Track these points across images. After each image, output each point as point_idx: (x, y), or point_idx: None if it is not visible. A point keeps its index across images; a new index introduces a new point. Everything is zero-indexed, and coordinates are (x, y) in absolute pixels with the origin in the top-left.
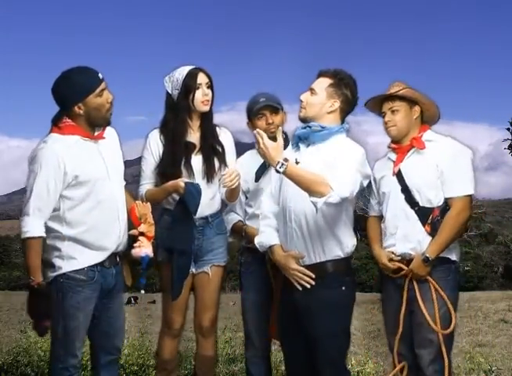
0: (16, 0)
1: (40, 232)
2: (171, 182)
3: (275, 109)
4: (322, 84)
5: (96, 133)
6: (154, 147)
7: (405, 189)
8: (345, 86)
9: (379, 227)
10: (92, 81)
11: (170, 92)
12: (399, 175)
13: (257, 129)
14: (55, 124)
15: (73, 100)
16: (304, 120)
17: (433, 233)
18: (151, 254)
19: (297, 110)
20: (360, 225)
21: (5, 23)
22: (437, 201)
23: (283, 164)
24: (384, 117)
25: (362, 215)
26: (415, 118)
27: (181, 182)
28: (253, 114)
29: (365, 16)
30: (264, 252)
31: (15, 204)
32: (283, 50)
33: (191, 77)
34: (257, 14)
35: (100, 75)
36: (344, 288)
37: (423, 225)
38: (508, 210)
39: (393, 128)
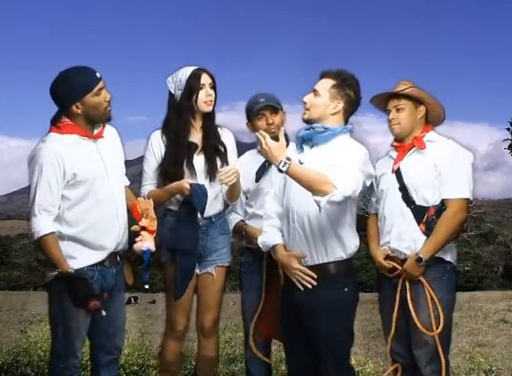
0: (16, 0)
1: (50, 228)
2: (175, 184)
3: (275, 109)
4: (325, 85)
5: (95, 132)
6: (156, 148)
7: (403, 188)
8: (348, 87)
9: (376, 225)
10: (90, 80)
11: (173, 92)
12: (398, 173)
13: (260, 131)
14: (54, 123)
15: (71, 99)
16: (308, 122)
17: (427, 232)
18: (153, 249)
19: (298, 109)
20: (360, 225)
21: (5, 23)
22: (433, 201)
23: (285, 163)
24: (388, 114)
25: (362, 215)
26: (419, 118)
27: (186, 184)
28: (253, 115)
29: (365, 16)
30: (264, 252)
31: (15, 204)
32: (282, 50)
33: (195, 77)
34: (257, 14)
35: (98, 74)
36: (346, 290)
37: (418, 224)
38: (508, 210)
39: (397, 126)
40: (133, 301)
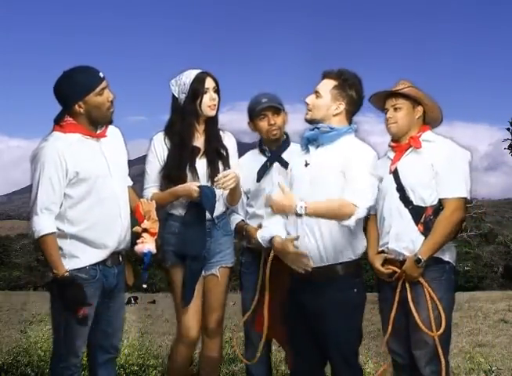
0: (16, 0)
1: (51, 228)
2: (181, 187)
3: (278, 110)
4: (327, 86)
5: (98, 131)
6: (159, 150)
7: (400, 188)
8: (350, 87)
9: (376, 227)
10: (93, 79)
11: (176, 95)
12: (395, 174)
13: (265, 194)
14: (57, 122)
15: (74, 99)
16: (310, 122)
17: (426, 232)
18: (154, 251)
19: (298, 109)
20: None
21: (5, 23)
22: (431, 201)
23: (301, 207)
24: (386, 113)
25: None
26: (417, 118)
27: (194, 186)
28: (255, 115)
29: (365, 16)
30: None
31: (15, 204)
32: (283, 50)
33: (199, 81)
34: (257, 14)
35: (101, 74)
36: (355, 290)
37: (416, 224)
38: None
39: (393, 125)
40: (133, 301)
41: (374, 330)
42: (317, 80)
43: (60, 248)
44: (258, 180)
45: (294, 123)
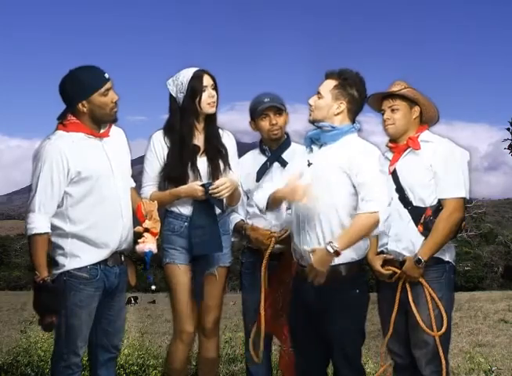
0: (17, 0)
1: (45, 228)
2: (183, 188)
3: (279, 110)
4: (328, 86)
5: (102, 131)
6: (159, 149)
7: (399, 189)
8: (350, 86)
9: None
10: (98, 79)
11: (174, 95)
12: (394, 175)
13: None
14: (60, 121)
15: (78, 98)
16: (313, 123)
17: (425, 232)
18: (155, 250)
19: (298, 109)
20: None
21: (5, 23)
22: (430, 201)
23: (332, 247)
24: (383, 114)
25: None
26: (414, 118)
27: (197, 186)
28: (256, 114)
29: (365, 16)
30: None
31: (15, 204)
32: (283, 50)
33: (196, 79)
34: (257, 14)
35: (106, 75)
36: (358, 291)
37: (416, 224)
38: (508, 210)
39: (391, 127)
40: (133, 301)
41: (374, 330)
42: (317, 80)
43: (61, 247)
44: (258, 180)
45: (294, 123)
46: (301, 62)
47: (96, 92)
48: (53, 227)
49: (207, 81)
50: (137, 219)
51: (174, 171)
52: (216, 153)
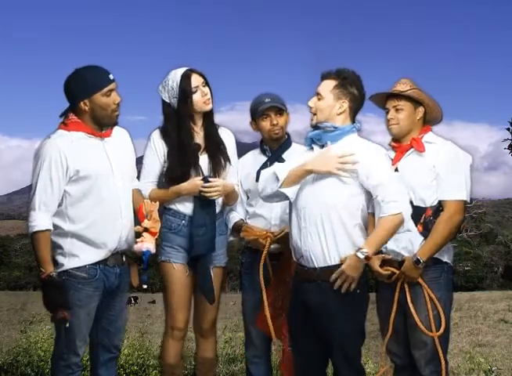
0: (16, 0)
1: (47, 225)
2: (184, 185)
3: (280, 110)
4: (327, 86)
5: (103, 131)
6: (159, 146)
7: None
8: (350, 85)
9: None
10: (102, 79)
11: (168, 101)
12: None
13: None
14: (62, 121)
15: (80, 96)
16: (316, 126)
17: (425, 232)
18: (153, 250)
19: (298, 109)
20: None
21: (5, 23)
22: (430, 202)
23: (362, 253)
24: (387, 113)
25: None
26: (418, 119)
27: (198, 181)
28: (257, 114)
29: (365, 16)
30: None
31: (15, 204)
32: (283, 50)
33: (186, 81)
34: (257, 14)
35: (111, 76)
36: (358, 291)
37: (416, 224)
38: (508, 210)
39: (395, 126)
40: (133, 301)
41: (374, 330)
42: (317, 80)
43: (61, 247)
44: (258, 180)
45: (295, 123)
46: (301, 62)
47: (99, 92)
48: (53, 226)
49: (196, 80)
50: (137, 220)
51: (176, 172)
52: (216, 149)
